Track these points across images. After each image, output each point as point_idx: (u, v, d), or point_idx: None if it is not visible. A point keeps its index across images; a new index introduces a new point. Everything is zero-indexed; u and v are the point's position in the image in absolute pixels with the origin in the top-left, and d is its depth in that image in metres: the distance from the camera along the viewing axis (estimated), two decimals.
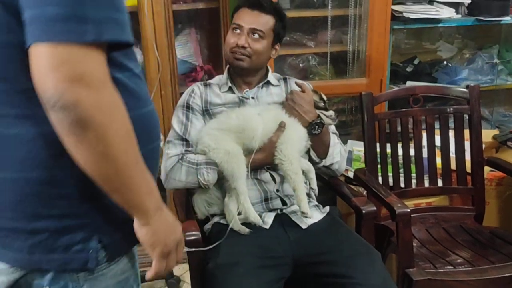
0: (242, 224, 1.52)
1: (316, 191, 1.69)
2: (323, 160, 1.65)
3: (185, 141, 1.61)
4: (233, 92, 1.70)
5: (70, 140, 0.73)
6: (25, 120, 0.77)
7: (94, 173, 0.75)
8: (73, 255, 0.83)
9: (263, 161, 1.57)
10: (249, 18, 1.64)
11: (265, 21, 1.64)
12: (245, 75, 1.70)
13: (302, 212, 1.50)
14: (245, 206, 1.49)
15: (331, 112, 1.64)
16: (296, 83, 1.68)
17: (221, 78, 1.75)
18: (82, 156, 0.74)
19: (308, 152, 1.66)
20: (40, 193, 0.80)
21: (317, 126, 1.59)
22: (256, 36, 1.63)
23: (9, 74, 0.76)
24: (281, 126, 1.56)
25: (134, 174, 0.78)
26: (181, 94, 1.76)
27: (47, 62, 0.69)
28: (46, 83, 0.69)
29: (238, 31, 1.64)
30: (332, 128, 1.72)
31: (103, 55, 0.73)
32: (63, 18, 0.69)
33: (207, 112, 1.66)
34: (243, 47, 1.62)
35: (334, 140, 1.67)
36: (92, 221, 0.84)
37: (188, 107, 1.66)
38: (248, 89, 1.71)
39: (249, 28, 1.63)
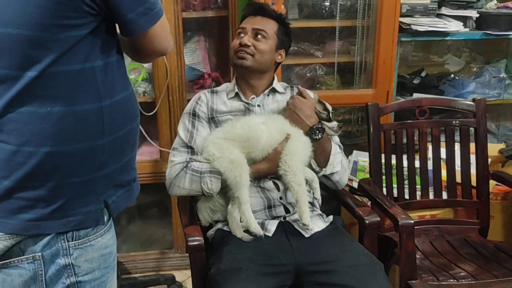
0: (244, 231, 1.52)
1: (320, 201, 1.70)
2: (323, 169, 1.65)
3: (190, 148, 1.62)
4: (240, 99, 1.72)
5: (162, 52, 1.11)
6: (55, 100, 0.93)
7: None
8: (86, 216, 0.99)
9: (267, 171, 1.58)
10: (253, 21, 1.70)
11: (268, 24, 1.70)
12: (249, 76, 1.71)
13: (304, 224, 1.50)
14: (246, 216, 1.50)
15: (333, 124, 1.65)
16: (298, 89, 1.69)
17: (228, 85, 1.77)
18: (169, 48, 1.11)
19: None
20: (64, 164, 0.95)
21: (317, 131, 1.59)
22: (259, 36, 1.67)
23: (45, 57, 0.91)
24: (286, 137, 1.57)
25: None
26: (189, 100, 1.77)
27: (162, 35, 1.04)
28: (166, 45, 1.07)
29: (242, 34, 1.69)
30: (336, 140, 1.72)
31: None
32: (147, 11, 0.99)
33: (213, 120, 1.68)
34: (246, 45, 1.65)
35: (336, 149, 1.67)
36: (99, 186, 1.00)
37: (194, 115, 1.67)
38: (254, 96, 1.72)
39: (252, 29, 1.67)
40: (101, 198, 1.01)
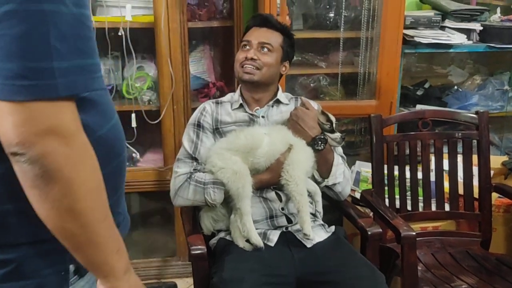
0: (246, 241, 1.53)
1: (321, 214, 1.70)
2: (326, 180, 1.66)
3: (194, 159, 1.64)
4: (244, 110, 1.73)
5: (33, 193, 0.69)
6: None
7: (56, 229, 0.71)
8: (46, 279, 0.79)
9: (270, 181, 1.59)
10: (257, 34, 1.70)
11: (273, 37, 1.70)
12: (255, 90, 1.72)
13: (304, 234, 1.51)
14: (247, 227, 1.51)
15: (336, 135, 1.65)
16: (301, 100, 1.71)
17: (233, 96, 1.79)
18: (44, 210, 0.70)
19: None
20: (10, 223, 0.77)
21: (320, 142, 1.60)
22: (265, 50, 1.68)
23: None
24: (289, 147, 1.58)
25: (100, 231, 0.74)
26: (193, 109, 1.79)
27: (14, 118, 0.65)
28: (12, 136, 0.65)
29: (247, 47, 1.69)
30: (339, 150, 1.73)
31: (74, 104, 0.70)
32: (28, 75, 0.64)
33: (218, 131, 1.69)
34: (252, 59, 1.66)
35: (338, 160, 1.68)
36: (59, 244, 0.77)
37: (199, 126, 1.69)
38: (258, 108, 1.74)
39: (258, 42, 1.68)
40: (66, 257, 0.79)
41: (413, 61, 2.81)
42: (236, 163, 1.54)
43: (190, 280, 2.26)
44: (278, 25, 1.73)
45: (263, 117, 1.72)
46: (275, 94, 1.77)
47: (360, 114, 2.39)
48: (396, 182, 1.97)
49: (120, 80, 2.29)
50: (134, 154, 2.22)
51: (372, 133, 1.93)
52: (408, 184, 1.98)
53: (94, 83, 0.72)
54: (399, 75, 2.29)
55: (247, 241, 1.52)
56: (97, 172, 0.72)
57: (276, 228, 1.59)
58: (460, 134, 1.99)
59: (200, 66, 2.39)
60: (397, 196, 1.98)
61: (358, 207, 1.91)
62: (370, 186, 2.09)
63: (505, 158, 2.42)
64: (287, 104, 1.77)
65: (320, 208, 1.67)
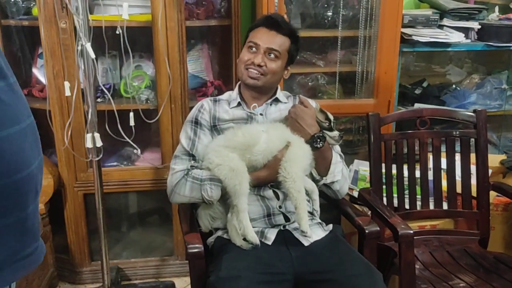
0: (244, 239, 1.53)
1: (318, 212, 1.70)
2: (324, 178, 1.65)
3: (191, 156, 1.63)
4: (242, 108, 1.73)
5: None
6: None
7: None
8: None
9: (267, 178, 1.59)
10: (266, 38, 1.67)
11: (282, 42, 1.67)
12: (255, 93, 1.72)
13: (302, 231, 1.51)
14: (244, 224, 1.50)
15: (335, 133, 1.65)
16: (299, 98, 1.70)
17: (231, 94, 1.78)
18: None
19: None
20: None
21: (319, 140, 1.60)
22: (272, 56, 1.66)
23: None
24: (287, 144, 1.58)
25: None
26: (191, 108, 1.79)
27: None
28: None
29: (254, 49, 1.67)
30: (337, 149, 1.73)
31: None
32: None
33: (215, 128, 1.69)
34: (259, 66, 1.65)
35: (337, 158, 1.67)
36: None
37: (196, 123, 1.69)
38: (256, 105, 1.74)
39: (266, 48, 1.65)
40: None
41: (411, 60, 2.81)
42: (233, 160, 1.54)
43: (188, 279, 2.25)
44: (287, 31, 1.69)
45: (261, 114, 1.72)
46: (274, 93, 1.77)
47: (358, 113, 2.39)
48: (394, 181, 1.98)
49: (118, 79, 2.29)
50: (135, 151, 2.20)
51: (370, 132, 1.93)
52: (406, 182, 1.98)
53: None
54: (397, 73, 2.29)
55: (244, 239, 1.52)
56: None
57: (273, 226, 1.59)
58: (458, 133, 1.99)
59: (198, 65, 2.39)
60: (395, 195, 1.98)
61: (356, 205, 1.91)
62: (368, 185, 2.09)
63: (503, 156, 2.42)
64: (285, 103, 1.77)
65: (317, 206, 1.67)
